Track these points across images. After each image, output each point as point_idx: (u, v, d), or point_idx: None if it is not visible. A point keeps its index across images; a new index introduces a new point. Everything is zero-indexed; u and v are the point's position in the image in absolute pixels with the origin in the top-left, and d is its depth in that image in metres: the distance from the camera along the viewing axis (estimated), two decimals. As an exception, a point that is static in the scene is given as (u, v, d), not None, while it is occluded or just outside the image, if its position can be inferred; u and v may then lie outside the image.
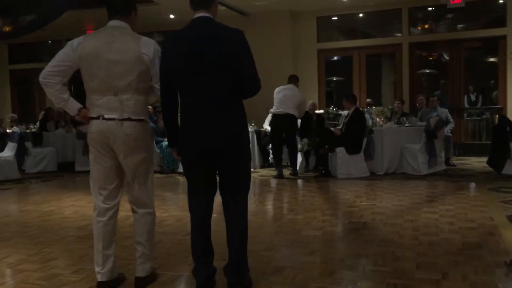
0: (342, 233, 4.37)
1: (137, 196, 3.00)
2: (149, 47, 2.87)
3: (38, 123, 10.71)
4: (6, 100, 13.57)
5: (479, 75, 11.60)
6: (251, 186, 3.01)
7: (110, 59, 2.83)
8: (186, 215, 3.02)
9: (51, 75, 2.86)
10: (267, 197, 6.58)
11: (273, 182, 7.57)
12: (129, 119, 2.84)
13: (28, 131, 10.41)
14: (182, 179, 7.28)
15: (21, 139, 8.77)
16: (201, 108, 2.74)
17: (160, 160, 8.84)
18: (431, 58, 11.92)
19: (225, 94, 2.73)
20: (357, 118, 7.60)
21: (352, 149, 7.52)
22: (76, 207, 5.84)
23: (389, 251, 3.66)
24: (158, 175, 8.45)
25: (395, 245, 3.84)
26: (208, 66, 2.70)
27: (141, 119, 2.90)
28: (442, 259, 3.44)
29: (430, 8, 10.71)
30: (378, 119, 8.34)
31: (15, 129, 9.02)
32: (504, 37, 10.00)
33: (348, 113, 7.88)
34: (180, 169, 8.03)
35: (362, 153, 7.63)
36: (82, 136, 9.27)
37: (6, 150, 8.31)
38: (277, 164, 7.90)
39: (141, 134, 2.90)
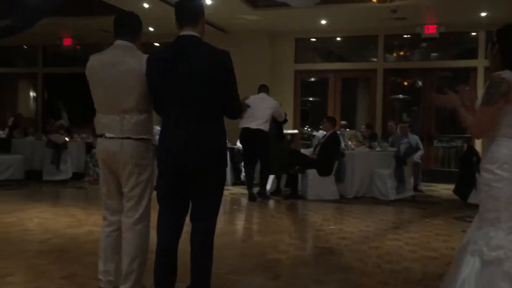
0: (307, 258, 4.38)
1: (130, 208, 2.99)
2: None
3: (7, 130, 10.47)
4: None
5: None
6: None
7: (112, 81, 2.89)
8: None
9: None
10: (235, 216, 6.56)
11: (243, 201, 7.55)
12: (128, 138, 2.89)
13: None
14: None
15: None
16: (178, 126, 2.70)
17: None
18: (405, 84, 12.18)
19: (205, 114, 2.69)
20: (334, 141, 7.69)
21: (323, 171, 7.58)
22: (40, 219, 5.71)
23: (351, 279, 3.69)
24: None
25: (358, 272, 3.87)
26: (191, 86, 2.66)
27: (142, 138, 2.94)
28: (401, 288, 3.48)
29: (406, 36, 10.97)
30: (350, 143, 8.45)
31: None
32: (475, 69, 10.30)
33: (325, 135, 7.96)
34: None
35: (332, 176, 7.70)
36: (52, 145, 9.13)
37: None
38: (249, 185, 7.49)
39: (140, 152, 2.94)
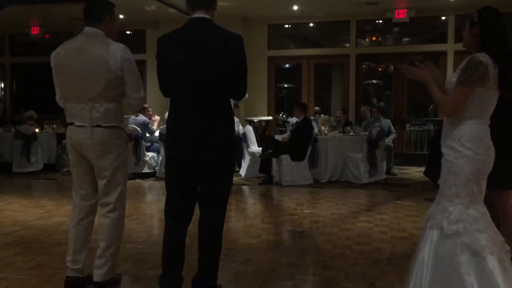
0: (279, 242, 4.41)
1: (104, 196, 2.97)
2: (116, 55, 2.83)
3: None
4: None
5: (422, 88, 12.04)
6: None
7: (78, 69, 2.84)
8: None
9: None
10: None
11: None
12: (98, 126, 2.87)
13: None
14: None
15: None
16: (188, 113, 2.67)
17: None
18: (379, 70, 12.28)
19: (216, 97, 2.68)
20: (305, 127, 7.72)
21: (297, 157, 7.61)
22: (7, 211, 5.60)
23: (321, 261, 3.73)
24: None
25: (328, 254, 3.92)
26: (202, 67, 2.63)
27: (112, 125, 2.91)
28: (370, 268, 3.54)
29: (378, 21, 11.03)
30: (323, 128, 8.50)
31: None
32: (445, 53, 10.44)
33: (297, 121, 7.98)
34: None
35: (306, 161, 7.74)
36: (22, 136, 8.94)
37: None
38: None
39: (110, 140, 2.91)
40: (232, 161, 2.91)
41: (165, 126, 8.18)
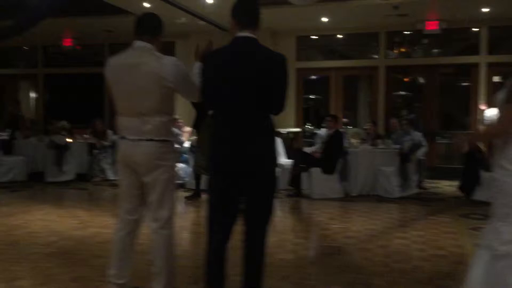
0: (315, 258, 4.37)
1: (156, 211, 2.98)
2: (169, 68, 2.85)
3: (8, 131, 10.39)
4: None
5: (452, 100, 11.87)
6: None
7: (131, 83, 2.87)
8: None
9: None
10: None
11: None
12: (150, 139, 2.88)
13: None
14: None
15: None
16: (234, 128, 2.73)
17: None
18: (406, 80, 12.16)
19: (259, 111, 2.73)
20: (337, 139, 7.66)
21: (327, 170, 7.56)
22: (45, 221, 5.69)
23: (360, 279, 3.68)
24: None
25: (366, 272, 3.86)
26: (247, 86, 2.69)
27: (163, 139, 2.93)
28: (412, 288, 3.47)
29: (407, 33, 10.94)
30: (353, 141, 8.42)
31: (-15, 136, 8.77)
32: (476, 65, 10.28)
33: (329, 133, 7.93)
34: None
35: (337, 174, 7.68)
36: (55, 146, 9.11)
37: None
38: None
39: (162, 154, 2.93)
40: (274, 174, 2.90)
41: (195, 137, 8.27)
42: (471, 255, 4.27)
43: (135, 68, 2.88)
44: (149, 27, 2.99)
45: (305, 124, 11.76)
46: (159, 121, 2.90)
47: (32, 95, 13.45)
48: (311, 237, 5.13)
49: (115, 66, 2.98)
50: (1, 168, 8.94)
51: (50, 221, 5.69)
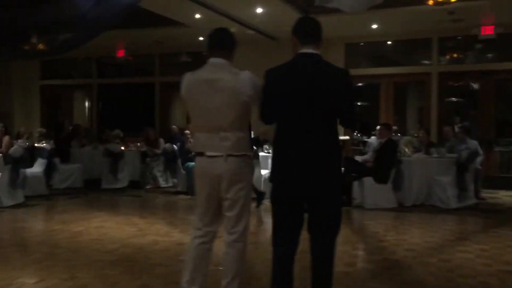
0: (375, 272, 4.28)
1: (233, 225, 3.00)
2: (246, 82, 2.87)
3: (62, 138, 10.71)
4: (36, 115, 13.81)
5: (508, 107, 11.44)
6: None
7: (209, 99, 2.89)
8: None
9: None
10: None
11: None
12: (229, 155, 2.90)
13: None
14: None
15: (50, 155, 8.90)
16: (299, 147, 2.71)
17: (187, 181, 8.81)
18: (459, 87, 11.81)
19: (323, 130, 2.73)
20: (390, 148, 7.52)
21: (380, 179, 7.43)
22: (104, 228, 5.87)
23: (426, 294, 3.58)
24: (183, 196, 8.46)
25: (430, 287, 3.75)
26: (311, 102, 2.69)
27: (243, 154, 2.96)
28: (482, 305, 3.35)
29: (460, 38, 10.64)
30: (406, 149, 8.24)
31: (45, 145, 9.14)
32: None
33: (381, 142, 7.80)
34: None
35: (390, 184, 7.53)
36: (110, 154, 9.40)
37: (36, 165, 8.42)
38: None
39: (241, 169, 2.95)
40: (340, 190, 2.88)
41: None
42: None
43: (212, 84, 2.89)
44: (223, 42, 3.00)
45: (354, 132, 11.61)
46: (238, 136, 2.91)
47: (86, 104, 13.94)
48: (369, 249, 5.03)
49: (191, 82, 2.98)
50: (60, 175, 9.29)
51: (109, 228, 5.85)
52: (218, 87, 2.88)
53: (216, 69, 2.95)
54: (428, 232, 5.72)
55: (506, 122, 11.14)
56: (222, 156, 2.89)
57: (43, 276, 3.94)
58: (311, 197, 2.76)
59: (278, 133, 2.81)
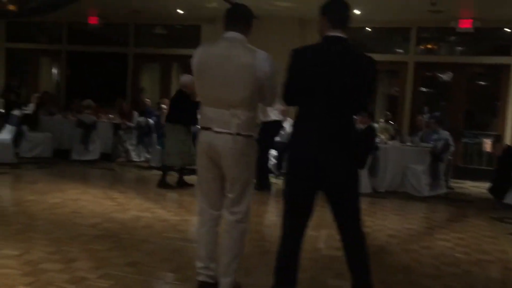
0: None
1: (236, 205, 2.95)
2: (264, 63, 2.81)
3: (31, 105, 10.29)
4: (0, 79, 13.16)
5: (479, 100, 11.79)
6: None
7: (223, 75, 2.82)
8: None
9: None
10: (277, 209, 6.53)
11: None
12: (238, 134, 2.83)
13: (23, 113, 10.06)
14: (188, 178, 7.12)
15: (19, 122, 8.53)
16: (321, 129, 2.67)
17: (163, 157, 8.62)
18: (433, 78, 12.07)
19: (344, 114, 2.72)
20: (370, 135, 7.61)
21: (358, 165, 7.51)
22: (81, 201, 5.70)
23: (413, 280, 3.68)
24: (156, 171, 8.32)
25: (417, 273, 3.86)
26: (338, 82, 2.66)
27: (249, 134, 2.90)
28: (469, 293, 3.47)
29: (438, 29, 10.82)
30: (383, 137, 8.39)
31: (15, 112, 8.73)
32: (507, 66, 10.18)
33: (361, 129, 7.88)
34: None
35: (366, 169, 7.65)
36: (82, 124, 9.09)
37: (4, 132, 8.06)
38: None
39: (247, 149, 2.89)
40: (357, 175, 2.87)
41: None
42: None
43: (227, 60, 2.82)
44: (242, 18, 2.93)
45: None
46: (247, 115, 2.86)
47: (54, 71, 13.39)
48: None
49: (205, 56, 2.91)
50: (28, 143, 8.94)
51: (87, 201, 5.70)
52: (234, 64, 2.81)
53: (232, 44, 2.87)
54: (406, 219, 5.87)
55: (473, 114, 11.50)
56: (231, 134, 2.83)
57: (27, 248, 3.79)
58: (332, 183, 2.72)
59: (300, 115, 2.77)
